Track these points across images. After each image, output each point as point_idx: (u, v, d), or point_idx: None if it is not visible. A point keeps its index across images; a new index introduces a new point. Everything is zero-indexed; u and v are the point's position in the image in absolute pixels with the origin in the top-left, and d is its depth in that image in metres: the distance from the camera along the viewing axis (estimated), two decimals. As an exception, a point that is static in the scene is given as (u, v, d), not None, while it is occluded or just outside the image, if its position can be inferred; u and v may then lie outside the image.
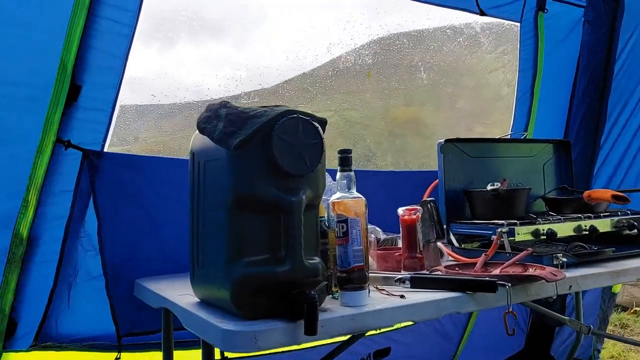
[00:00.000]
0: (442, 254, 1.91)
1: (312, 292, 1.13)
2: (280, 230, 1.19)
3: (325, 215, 1.42)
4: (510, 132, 2.85)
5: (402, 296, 1.36)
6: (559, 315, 2.44)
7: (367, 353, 2.75)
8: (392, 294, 1.39)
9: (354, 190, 1.39)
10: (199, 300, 1.38)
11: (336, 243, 1.32)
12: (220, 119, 1.21)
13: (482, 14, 2.41)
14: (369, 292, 1.37)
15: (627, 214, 2.05)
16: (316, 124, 1.23)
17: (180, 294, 1.48)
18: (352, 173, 1.40)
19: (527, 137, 2.71)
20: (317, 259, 1.24)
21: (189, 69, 2.57)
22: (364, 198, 1.36)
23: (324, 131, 1.31)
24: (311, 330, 1.11)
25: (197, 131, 1.29)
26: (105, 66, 1.80)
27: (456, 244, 1.94)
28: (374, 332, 2.69)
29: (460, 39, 2.86)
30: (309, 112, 1.27)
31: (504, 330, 3.55)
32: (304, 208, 1.20)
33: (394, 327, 2.71)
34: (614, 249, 1.81)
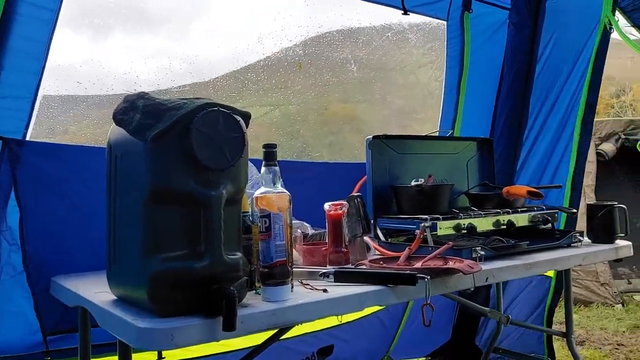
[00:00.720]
0: (368, 248, 1.94)
1: (231, 288, 1.12)
2: (199, 224, 1.17)
3: (250, 210, 1.41)
4: (438, 129, 2.92)
5: (324, 290, 1.37)
6: (480, 306, 2.54)
7: (311, 352, 2.76)
8: (316, 289, 1.40)
9: (278, 185, 1.39)
10: (116, 297, 1.33)
11: (259, 238, 1.31)
12: (137, 111, 1.17)
13: (405, 12, 2.46)
14: (292, 287, 1.37)
15: (543, 209, 2.16)
16: (238, 118, 1.22)
17: (97, 291, 1.42)
18: (277, 168, 1.40)
19: (452, 135, 2.80)
20: (238, 254, 1.23)
21: (123, 59, 2.47)
22: (287, 193, 1.36)
23: (247, 125, 1.30)
24: (229, 326, 1.10)
25: (114, 123, 1.24)
26: (26, 51, 1.72)
27: (382, 239, 1.97)
28: (317, 329, 2.71)
29: (389, 34, 2.90)
30: (233, 105, 1.25)
31: (435, 322, 3.67)
32: (225, 202, 1.19)
33: (336, 324, 2.73)
34: (528, 242, 1.90)
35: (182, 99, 1.19)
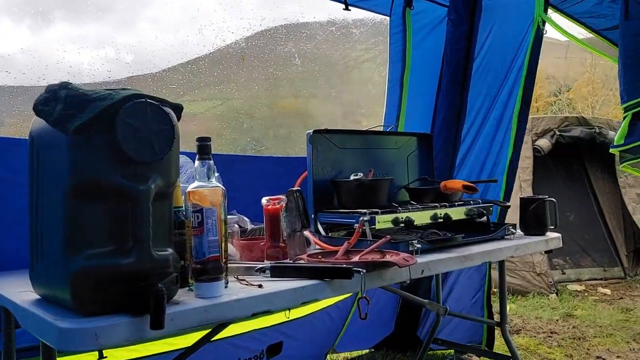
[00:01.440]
0: (309, 242, 1.94)
1: (159, 285, 1.09)
2: (127, 220, 1.13)
3: (183, 205, 1.38)
4: (382, 124, 2.95)
5: (260, 286, 1.36)
6: (420, 298, 2.59)
7: (261, 349, 2.73)
8: (251, 284, 1.38)
9: (213, 179, 1.36)
10: (39, 297, 1.27)
11: (191, 233, 1.29)
12: (59, 101, 1.11)
13: (347, 7, 2.47)
14: (226, 283, 1.35)
15: (479, 203, 2.23)
16: (167, 110, 1.18)
17: (20, 290, 1.36)
18: (211, 162, 1.37)
19: (394, 130, 2.84)
20: (168, 250, 1.20)
21: (66, 49, 2.37)
22: (222, 187, 1.34)
23: (179, 118, 1.26)
24: (157, 324, 1.07)
25: (35, 114, 1.18)
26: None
27: (323, 233, 1.98)
28: (265, 325, 2.69)
29: (333, 29, 2.91)
30: (160, 98, 1.22)
31: (380, 315, 3.70)
32: (154, 197, 1.15)
33: (284, 320, 2.72)
34: (463, 235, 1.95)
35: (108, 89, 1.14)
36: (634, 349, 3.65)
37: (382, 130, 2.42)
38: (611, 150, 2.43)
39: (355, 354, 3.50)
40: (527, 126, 6.05)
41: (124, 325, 1.08)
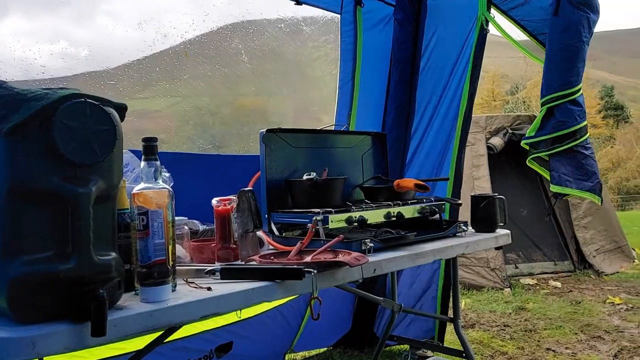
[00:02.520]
0: (262, 243, 1.92)
1: (100, 291, 1.06)
2: (67, 224, 1.09)
3: (129, 207, 1.34)
4: (334, 123, 2.95)
5: (208, 288, 1.34)
6: (374, 296, 2.61)
7: (209, 349, 2.70)
8: (200, 287, 1.36)
9: (159, 181, 1.33)
10: (-26, 305, 1.21)
11: (136, 236, 1.25)
12: (-8, 101, 1.06)
13: (298, 3, 2.46)
14: (174, 286, 1.32)
15: (431, 201, 2.26)
16: (109, 110, 1.14)
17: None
18: (158, 162, 1.34)
19: (348, 129, 2.85)
20: (112, 254, 1.16)
21: (20, 43, 2.27)
22: (168, 188, 1.31)
23: (122, 118, 1.23)
24: (99, 331, 1.03)
25: (-33, 113, 1.12)
26: None
27: (276, 233, 1.97)
28: (215, 326, 2.65)
29: (282, 25, 2.89)
30: (102, 96, 1.18)
31: (338, 313, 3.71)
32: (96, 200, 1.11)
33: (235, 320, 2.69)
34: (415, 233, 1.97)
35: (45, 89, 1.10)
36: (581, 340, 3.79)
37: (334, 129, 2.42)
38: (522, 143, 2.52)
39: (313, 352, 3.51)
40: (482, 124, 6.21)
41: (64, 333, 1.04)
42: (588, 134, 2.38)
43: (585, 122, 2.34)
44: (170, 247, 1.29)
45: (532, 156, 2.48)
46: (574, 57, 2.29)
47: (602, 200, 2.42)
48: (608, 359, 3.42)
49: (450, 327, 3.50)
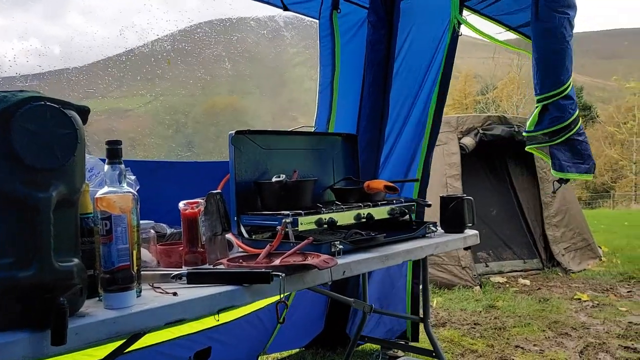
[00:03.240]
0: (232, 245, 1.91)
1: (61, 298, 1.04)
2: (27, 230, 1.06)
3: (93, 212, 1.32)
4: (314, 125, 2.95)
5: (174, 294, 1.32)
6: (345, 297, 2.62)
7: (187, 356, 2.66)
8: (166, 292, 1.34)
9: (124, 184, 1.31)
10: None
11: (100, 242, 1.23)
12: (-53, 103, 1.03)
13: (285, 9, 2.46)
14: (139, 292, 1.31)
15: (401, 202, 2.28)
16: (70, 113, 1.12)
17: None
18: (122, 165, 1.32)
19: (326, 130, 2.85)
20: (74, 261, 1.14)
21: None
22: (132, 192, 1.29)
23: (85, 121, 1.21)
24: (59, 339, 1.01)
25: None
26: None
27: (246, 235, 1.96)
28: (192, 331, 2.62)
29: (264, 32, 2.89)
30: (64, 100, 1.16)
31: (311, 314, 3.70)
32: (57, 205, 1.09)
33: (213, 325, 2.66)
34: (385, 234, 1.98)
35: (4, 91, 1.07)
36: (548, 337, 3.87)
37: (303, 130, 2.42)
38: (524, 134, 2.58)
39: (285, 354, 3.50)
40: (453, 124, 6.29)
41: (22, 342, 1.02)
42: (580, 122, 2.44)
43: (577, 112, 2.40)
44: (134, 252, 1.27)
45: (532, 145, 2.51)
46: (562, 58, 2.33)
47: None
48: (574, 355, 3.50)
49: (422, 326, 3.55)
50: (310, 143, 2.41)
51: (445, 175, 5.95)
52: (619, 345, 3.66)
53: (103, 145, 1.92)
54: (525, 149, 2.53)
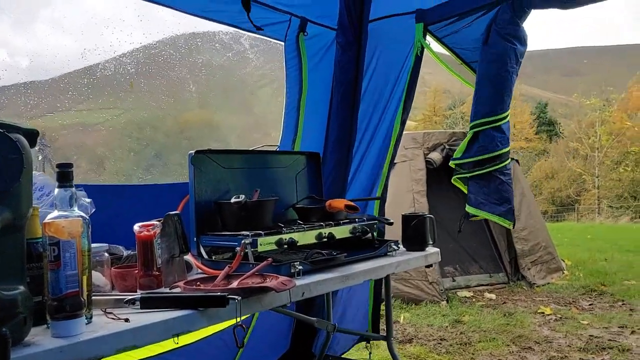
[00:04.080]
0: (191, 267, 1.89)
1: (3, 329, 1.00)
2: (-32, 258, 1.03)
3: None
4: (278, 145, 2.94)
5: (126, 320, 1.29)
6: (307, 317, 2.61)
7: None
8: (118, 318, 1.31)
9: (75, 208, 1.28)
10: None
11: (48, 268, 1.20)
12: None
13: (259, 28, 2.47)
14: (89, 318, 1.27)
15: (363, 221, 2.28)
16: (16, 137, 1.10)
17: None
18: (73, 189, 1.29)
19: (290, 149, 2.85)
20: (20, 288, 1.10)
21: None
22: (83, 216, 1.26)
23: (33, 144, 1.18)
24: (-1, 372, 0.98)
25: None
26: None
27: (205, 256, 1.93)
28: (150, 354, 2.54)
29: (230, 54, 2.89)
30: (15, 122, 1.13)
31: (277, 332, 3.64)
32: (2, 230, 1.06)
33: (173, 347, 2.59)
34: (345, 254, 1.98)
35: (-56, 115, 1.04)
36: (512, 352, 3.92)
37: (266, 149, 2.42)
38: (450, 163, 2.64)
39: (250, 373, 3.45)
40: (419, 140, 6.37)
41: (-40, 376, 0.98)
42: (508, 161, 2.48)
43: (507, 149, 2.45)
44: (84, 278, 1.24)
45: (457, 176, 2.57)
46: (500, 87, 2.40)
47: (513, 224, 2.53)
48: (537, 369, 3.55)
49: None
50: (273, 162, 2.41)
51: (412, 191, 6.01)
52: (580, 358, 3.73)
53: (70, 160, 1.89)
54: (452, 180, 2.59)
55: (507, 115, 2.45)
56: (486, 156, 2.44)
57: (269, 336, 3.35)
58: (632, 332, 4.35)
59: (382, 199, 2.92)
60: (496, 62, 2.39)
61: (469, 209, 2.49)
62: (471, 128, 2.49)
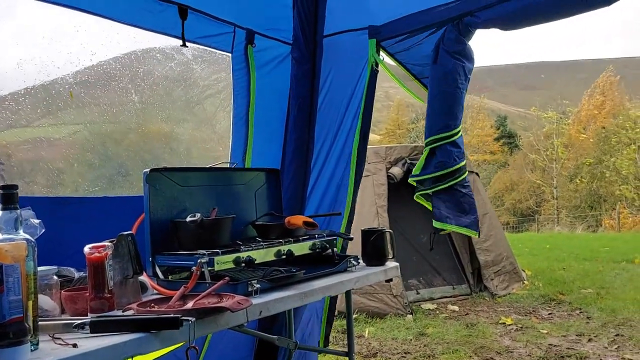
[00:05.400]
0: (146, 288, 1.85)
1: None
2: None
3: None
4: (228, 161, 2.91)
5: (74, 345, 1.25)
6: (266, 335, 2.58)
7: None
8: (67, 343, 1.27)
9: (20, 231, 1.25)
10: None
11: (-11, 294, 1.15)
12: None
13: (184, 44, 2.44)
14: (35, 344, 1.23)
15: (323, 237, 2.29)
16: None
17: None
18: (19, 211, 1.26)
19: (244, 166, 2.83)
20: (-43, 316, 1.06)
21: None
22: (28, 239, 1.23)
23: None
24: None
25: None
26: None
27: (161, 276, 1.90)
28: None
29: (172, 64, 2.86)
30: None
31: (239, 351, 3.58)
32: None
33: None
34: (304, 271, 1.97)
35: None
36: (474, 362, 3.97)
37: (225, 166, 2.40)
38: (409, 181, 2.69)
39: (212, 394, 3.38)
40: (382, 155, 6.44)
41: None
42: (466, 174, 2.54)
43: (463, 163, 2.50)
44: (30, 303, 1.20)
45: (418, 193, 2.61)
46: (451, 103, 2.46)
47: (479, 234, 2.59)
48: (498, 379, 3.60)
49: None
50: (232, 179, 2.39)
51: (375, 206, 6.06)
52: (539, 367, 3.80)
53: (27, 176, 1.83)
54: (415, 197, 2.63)
55: (460, 130, 2.51)
56: (446, 171, 2.48)
57: (230, 355, 3.30)
58: (589, 340, 4.47)
59: (350, 215, 2.92)
60: (446, 80, 2.45)
61: (436, 224, 2.53)
62: (427, 144, 2.54)
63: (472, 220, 2.49)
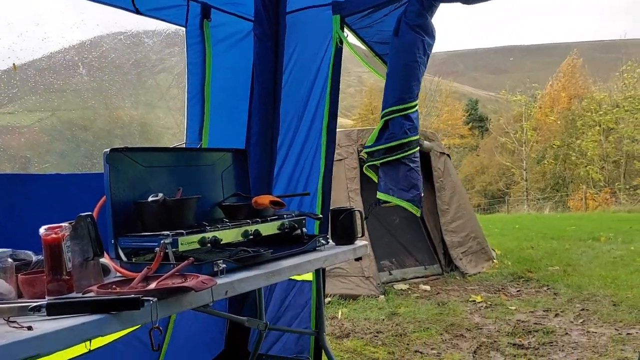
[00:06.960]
0: (108, 270, 1.80)
1: None
2: None
3: None
4: (185, 140, 2.84)
5: (29, 327, 1.21)
6: (236, 316, 2.56)
7: None
8: (21, 326, 1.23)
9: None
10: None
11: None
12: None
13: (138, 12, 2.35)
14: (-13, 328, 1.18)
15: (292, 217, 2.26)
16: None
17: None
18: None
19: (201, 145, 2.76)
20: None
21: None
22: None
23: None
24: None
25: None
26: None
27: (124, 258, 1.85)
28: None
29: (122, 37, 2.77)
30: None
31: (210, 332, 3.54)
32: None
33: (84, 352, 2.46)
34: (272, 250, 1.95)
35: None
36: (445, 340, 4.02)
37: (186, 146, 2.34)
38: (362, 153, 2.70)
39: (183, 378, 3.36)
40: (354, 137, 6.43)
41: None
42: (417, 149, 2.54)
43: (415, 137, 2.50)
44: (-21, 286, 1.15)
45: (368, 164, 2.61)
46: (408, 76, 2.45)
47: (421, 212, 2.59)
48: (468, 356, 3.66)
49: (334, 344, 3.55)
50: (198, 159, 2.34)
51: (347, 190, 6.06)
52: (508, 342, 3.88)
53: None
54: (364, 169, 2.63)
55: (416, 105, 2.51)
56: (394, 143, 2.48)
57: (201, 337, 3.27)
58: (556, 315, 4.58)
59: (325, 196, 2.89)
60: (405, 53, 2.44)
61: (379, 195, 2.54)
62: (382, 117, 2.53)
63: (415, 195, 2.49)
